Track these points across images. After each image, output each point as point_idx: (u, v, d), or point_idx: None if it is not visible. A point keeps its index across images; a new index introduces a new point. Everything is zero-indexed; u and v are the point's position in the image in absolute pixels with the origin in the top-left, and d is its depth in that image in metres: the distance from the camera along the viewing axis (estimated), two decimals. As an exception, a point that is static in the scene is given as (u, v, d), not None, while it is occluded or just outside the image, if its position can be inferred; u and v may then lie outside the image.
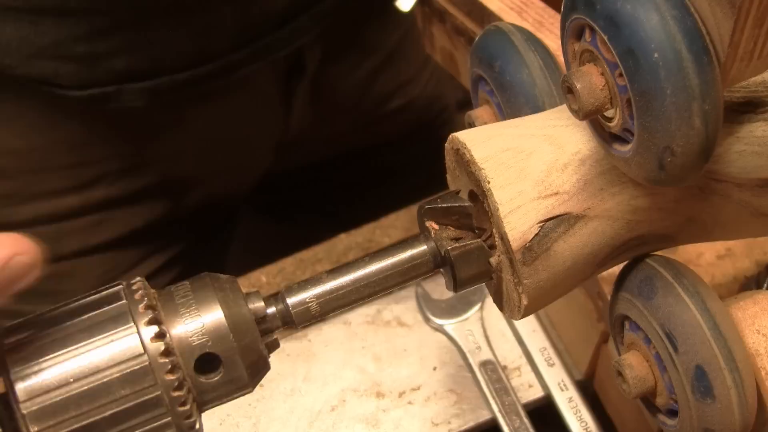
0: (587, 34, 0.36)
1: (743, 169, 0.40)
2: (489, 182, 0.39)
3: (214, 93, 0.84)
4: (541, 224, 0.39)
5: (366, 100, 1.00)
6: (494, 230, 0.40)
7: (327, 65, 0.92)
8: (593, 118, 0.38)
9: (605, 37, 0.34)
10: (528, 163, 0.39)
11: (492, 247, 0.41)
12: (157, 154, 0.87)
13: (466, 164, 0.41)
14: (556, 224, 0.39)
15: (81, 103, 0.79)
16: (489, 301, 0.72)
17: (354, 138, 1.03)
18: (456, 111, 1.15)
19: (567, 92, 0.37)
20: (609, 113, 0.36)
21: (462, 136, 0.41)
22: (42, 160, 0.83)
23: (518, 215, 0.39)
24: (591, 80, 0.36)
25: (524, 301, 0.41)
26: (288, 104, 0.92)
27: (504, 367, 0.68)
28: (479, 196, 0.41)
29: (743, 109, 0.40)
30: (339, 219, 0.89)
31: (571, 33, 0.37)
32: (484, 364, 0.68)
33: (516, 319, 0.42)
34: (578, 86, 0.36)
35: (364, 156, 1.05)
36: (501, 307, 0.44)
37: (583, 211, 0.40)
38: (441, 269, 0.43)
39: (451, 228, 0.42)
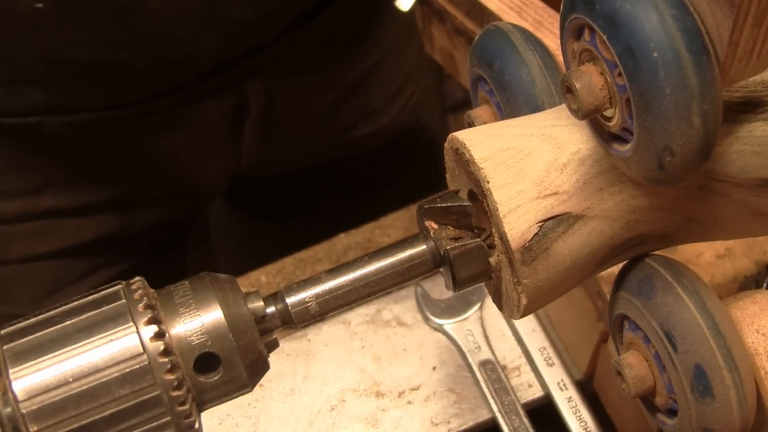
0: (586, 34, 0.36)
1: (742, 169, 0.40)
2: (488, 182, 0.39)
3: (149, 128, 0.84)
4: (541, 224, 0.39)
5: (326, 131, 0.98)
6: (493, 230, 0.40)
7: (276, 103, 0.90)
8: (592, 118, 0.38)
9: (604, 37, 0.34)
10: (527, 163, 0.39)
11: (491, 246, 0.41)
12: (104, 173, 0.87)
13: (466, 164, 0.41)
14: (555, 224, 0.39)
15: (5, 131, 0.78)
16: (488, 300, 0.72)
17: (318, 159, 1.01)
18: (442, 132, 1.14)
19: (566, 92, 0.37)
20: (608, 113, 0.36)
21: (461, 135, 0.41)
22: None
23: (517, 215, 0.39)
24: (590, 80, 0.36)
25: (523, 301, 0.41)
26: (237, 140, 0.91)
27: (503, 367, 0.68)
28: (478, 195, 0.41)
29: (742, 109, 0.40)
30: (334, 219, 0.88)
31: (571, 32, 0.37)
32: (484, 364, 0.68)
33: (515, 319, 0.42)
34: (577, 86, 0.36)
35: (338, 169, 1.04)
36: (500, 307, 0.44)
37: (583, 210, 0.40)
38: (440, 269, 0.43)
39: (451, 227, 0.42)
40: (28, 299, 0.87)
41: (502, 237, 0.39)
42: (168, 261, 0.99)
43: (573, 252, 0.40)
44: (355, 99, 0.97)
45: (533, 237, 0.39)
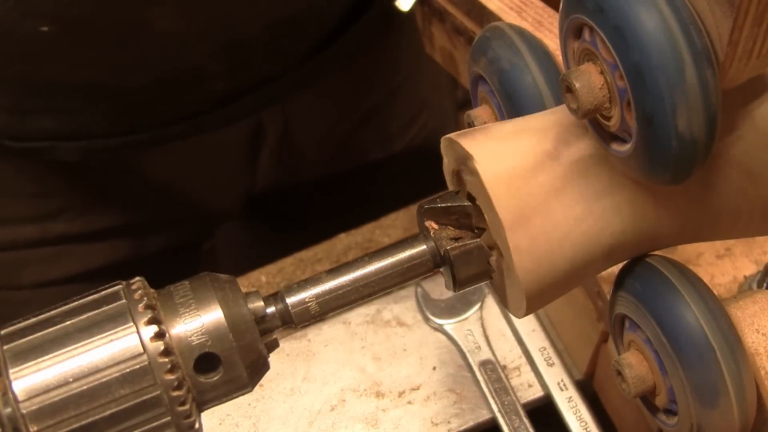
0: (586, 34, 0.36)
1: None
2: (494, 201, 0.39)
3: (163, 154, 0.84)
4: None
5: (340, 155, 0.98)
6: (492, 230, 0.41)
7: (293, 129, 0.90)
8: (592, 118, 0.38)
9: (604, 37, 0.34)
10: (535, 183, 0.39)
11: (491, 247, 0.41)
12: (118, 198, 0.86)
13: (469, 169, 0.41)
14: None
15: (18, 154, 0.78)
16: (489, 301, 0.72)
17: (329, 178, 1.01)
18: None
19: (566, 91, 0.37)
20: (608, 112, 0.36)
21: (481, 168, 0.40)
22: (1, 187, 0.83)
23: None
24: (590, 79, 0.36)
25: (524, 305, 0.41)
26: (252, 166, 0.91)
27: (504, 367, 0.68)
28: (481, 207, 0.41)
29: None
30: (334, 220, 0.88)
31: (570, 32, 0.37)
32: (484, 364, 0.68)
33: (519, 318, 0.42)
34: (577, 85, 0.36)
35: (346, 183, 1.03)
36: (506, 305, 0.44)
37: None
38: (440, 269, 0.43)
39: (451, 228, 0.42)
40: None
41: (506, 255, 0.40)
42: (178, 279, 0.98)
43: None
44: (370, 125, 0.97)
45: None
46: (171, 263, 0.95)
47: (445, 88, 1.08)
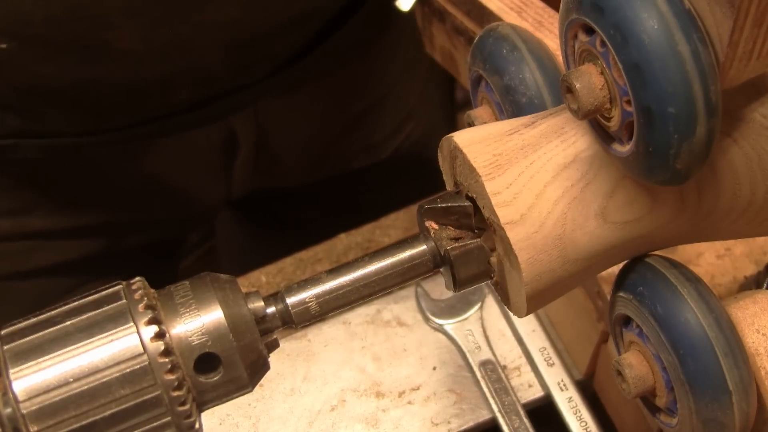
0: (587, 34, 0.36)
1: None
2: (502, 218, 0.39)
3: (131, 153, 0.83)
4: None
5: (323, 163, 0.97)
6: (499, 243, 0.41)
7: (269, 138, 0.89)
8: (592, 118, 0.38)
9: (604, 37, 0.34)
10: (541, 196, 0.39)
11: (492, 248, 0.41)
12: (90, 197, 0.86)
13: (470, 170, 0.41)
14: None
15: None
16: (489, 301, 0.72)
17: (315, 183, 1.00)
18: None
19: (566, 92, 0.37)
20: (608, 113, 0.36)
21: (480, 168, 0.40)
22: None
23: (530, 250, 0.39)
24: (590, 80, 0.36)
25: (522, 313, 0.41)
26: (228, 172, 0.90)
27: (504, 367, 0.68)
28: (482, 209, 0.41)
29: None
30: (334, 220, 0.88)
31: (571, 32, 0.37)
32: (484, 364, 0.68)
33: (521, 317, 0.42)
34: (577, 86, 0.36)
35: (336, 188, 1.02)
36: (507, 304, 0.44)
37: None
38: (441, 269, 0.43)
39: (451, 228, 0.42)
40: (15, 316, 0.86)
41: (513, 264, 0.40)
42: (159, 271, 0.98)
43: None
44: (354, 134, 0.95)
45: None
46: (151, 256, 0.95)
47: (434, 96, 1.07)
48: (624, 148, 0.37)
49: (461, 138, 0.41)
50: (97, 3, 0.65)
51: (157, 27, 0.70)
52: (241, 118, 0.85)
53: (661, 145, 0.34)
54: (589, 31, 0.36)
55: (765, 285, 0.59)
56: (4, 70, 0.70)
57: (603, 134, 0.38)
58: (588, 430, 0.64)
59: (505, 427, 0.65)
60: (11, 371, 0.37)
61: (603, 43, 0.35)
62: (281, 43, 0.81)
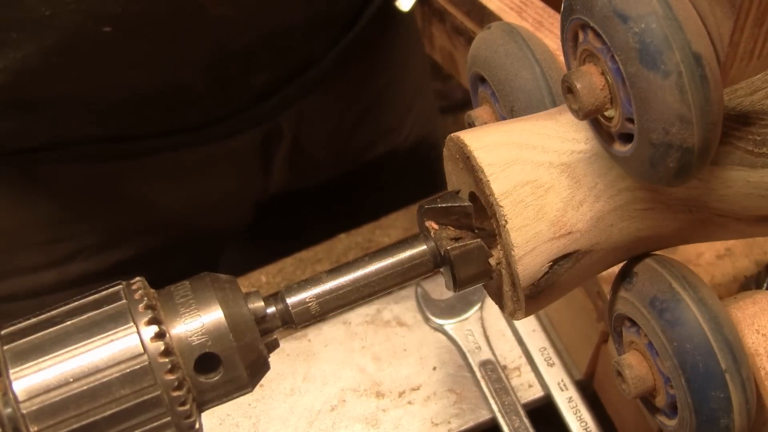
0: (587, 34, 0.36)
1: (746, 208, 0.41)
2: (507, 222, 0.39)
3: (183, 167, 0.83)
4: (551, 263, 0.40)
5: (345, 152, 0.98)
6: (499, 248, 0.41)
7: (304, 127, 0.90)
8: (593, 118, 0.38)
9: (605, 38, 0.34)
10: (546, 201, 0.39)
11: (491, 247, 0.41)
12: (130, 228, 0.86)
13: (472, 169, 0.41)
14: (564, 261, 0.40)
15: (25, 177, 0.77)
16: (489, 301, 0.72)
17: (333, 180, 1.01)
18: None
19: (567, 92, 0.37)
20: (609, 113, 0.36)
21: (480, 158, 0.40)
22: (14, 240, 0.82)
23: (532, 257, 0.39)
24: (591, 80, 0.36)
25: (521, 316, 0.41)
26: (267, 169, 0.91)
27: (504, 367, 0.68)
28: (484, 204, 0.41)
29: (762, 158, 0.40)
30: (334, 220, 0.88)
31: (571, 33, 0.37)
32: (484, 364, 0.68)
33: (516, 320, 0.42)
34: (578, 86, 0.36)
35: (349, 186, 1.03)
36: (501, 307, 0.44)
37: (591, 246, 0.40)
38: (441, 269, 0.43)
39: (451, 228, 0.42)
40: None
41: (513, 275, 0.40)
42: None
43: (575, 280, 0.41)
44: (372, 118, 0.97)
45: (543, 276, 0.40)
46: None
47: (428, 76, 1.10)
48: (625, 149, 0.37)
49: (467, 137, 0.41)
50: None
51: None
52: (287, 114, 0.85)
53: (661, 146, 0.34)
54: (590, 31, 0.36)
55: (765, 285, 0.59)
56: (101, 61, 0.69)
57: (604, 134, 0.38)
58: (588, 430, 0.64)
59: (505, 427, 0.65)
60: (11, 371, 0.37)
61: (604, 44, 0.35)
62: (307, 45, 0.82)
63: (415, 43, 0.97)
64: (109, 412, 0.37)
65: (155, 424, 0.38)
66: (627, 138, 0.37)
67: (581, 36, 0.37)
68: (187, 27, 0.70)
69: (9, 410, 0.37)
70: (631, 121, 0.35)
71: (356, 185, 1.02)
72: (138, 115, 0.77)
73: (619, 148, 0.37)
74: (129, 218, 0.86)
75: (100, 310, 0.38)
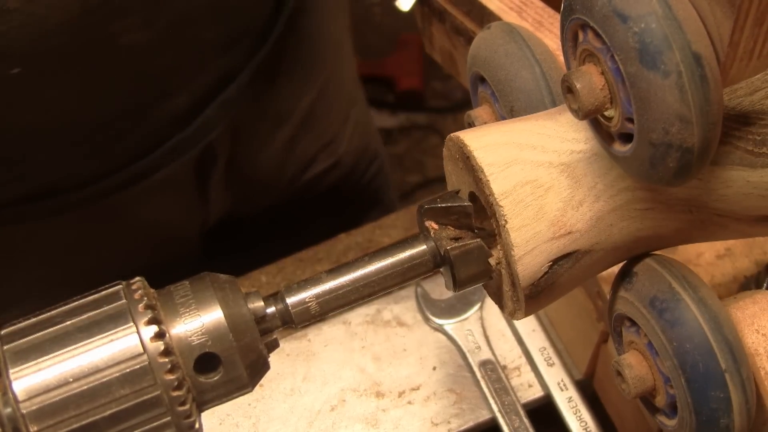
0: (587, 34, 0.36)
1: (746, 208, 0.41)
2: (506, 222, 0.39)
3: (117, 210, 0.80)
4: (551, 263, 0.40)
5: (287, 169, 0.96)
6: (499, 248, 0.41)
7: (238, 147, 0.87)
8: (593, 118, 0.38)
9: (605, 38, 0.34)
10: (545, 201, 0.39)
11: (491, 247, 0.41)
12: (73, 272, 0.83)
13: (472, 169, 0.41)
14: (564, 261, 0.40)
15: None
16: (489, 301, 0.72)
17: (285, 202, 0.99)
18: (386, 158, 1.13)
19: (567, 92, 0.37)
20: (609, 113, 0.36)
21: (480, 158, 0.40)
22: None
23: (531, 256, 0.39)
24: (591, 80, 0.36)
25: (520, 316, 0.41)
26: (205, 195, 0.88)
27: (504, 367, 0.68)
28: (484, 205, 0.41)
29: (761, 158, 0.40)
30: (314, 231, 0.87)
31: (571, 33, 0.37)
32: (484, 364, 0.68)
33: (516, 320, 0.42)
34: (578, 86, 0.36)
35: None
36: (501, 307, 0.44)
37: (591, 246, 0.40)
38: (441, 269, 0.43)
39: (451, 227, 0.42)
40: None
41: (513, 275, 0.40)
42: None
43: (575, 280, 0.41)
44: (308, 131, 0.95)
45: (542, 276, 0.40)
46: None
47: (360, 85, 1.08)
48: (625, 148, 0.37)
49: (467, 137, 0.41)
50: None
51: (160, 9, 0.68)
52: (221, 130, 0.83)
53: (661, 146, 0.34)
54: (590, 31, 0.36)
55: (765, 285, 0.59)
56: (13, 104, 0.67)
57: (603, 134, 0.38)
58: (588, 430, 0.64)
59: (505, 427, 0.65)
60: (11, 371, 0.37)
61: (604, 43, 0.35)
62: (223, 62, 0.80)
63: (344, 53, 0.96)
64: (108, 412, 0.37)
65: (155, 424, 0.38)
66: (627, 138, 0.37)
67: (581, 36, 0.37)
68: (98, 59, 0.68)
69: (9, 410, 0.37)
70: (630, 121, 0.35)
71: (302, 205, 1.00)
72: (58, 165, 0.73)
73: (619, 148, 0.37)
74: (65, 265, 0.83)
75: (99, 310, 0.38)
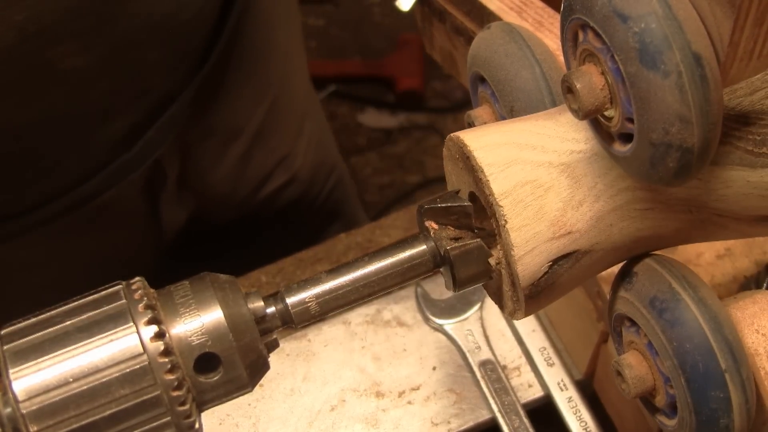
0: (587, 34, 0.36)
1: (745, 208, 0.41)
2: (506, 222, 0.39)
3: (63, 235, 0.79)
4: (551, 263, 0.40)
5: (242, 185, 0.95)
6: (499, 248, 0.41)
7: (188, 164, 0.86)
8: (593, 118, 0.38)
9: (605, 38, 0.34)
10: (545, 201, 0.39)
11: (491, 247, 0.41)
12: (25, 292, 0.82)
13: (472, 169, 0.41)
14: (564, 261, 0.40)
15: None
16: (488, 300, 0.72)
17: (241, 221, 0.98)
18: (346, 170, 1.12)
19: (567, 92, 0.37)
20: (609, 113, 0.36)
21: (480, 158, 0.40)
22: None
23: (531, 256, 0.39)
24: (591, 80, 0.36)
25: (520, 316, 0.41)
26: (156, 214, 0.87)
27: (504, 367, 0.68)
28: (484, 205, 0.41)
29: (761, 158, 0.40)
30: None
31: (571, 33, 0.37)
32: (484, 364, 0.68)
33: (516, 320, 0.42)
34: (578, 86, 0.36)
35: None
36: (501, 307, 0.44)
37: (591, 246, 0.40)
38: (440, 269, 0.43)
39: (451, 228, 0.42)
40: None
41: (513, 275, 0.40)
42: None
43: (575, 280, 0.41)
44: (262, 146, 0.94)
45: (542, 276, 0.40)
46: None
47: (315, 97, 1.07)
48: (625, 148, 0.37)
49: (467, 137, 0.41)
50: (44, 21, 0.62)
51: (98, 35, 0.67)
52: (168, 148, 0.82)
53: (661, 146, 0.34)
54: (590, 31, 0.36)
55: (765, 285, 0.59)
56: None
57: (603, 134, 0.38)
58: (588, 430, 0.64)
59: (505, 427, 0.65)
60: (11, 371, 0.37)
61: (604, 43, 0.35)
62: (164, 84, 0.79)
63: (295, 65, 0.95)
64: (108, 412, 0.37)
65: (155, 424, 0.38)
66: (627, 138, 0.37)
67: (581, 36, 0.37)
68: (37, 86, 0.67)
69: (9, 410, 0.37)
70: (630, 120, 0.35)
71: (261, 220, 0.99)
72: (1, 191, 0.73)
73: (619, 148, 0.37)
74: (15, 288, 0.82)
75: (99, 310, 0.38)
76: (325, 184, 1.05)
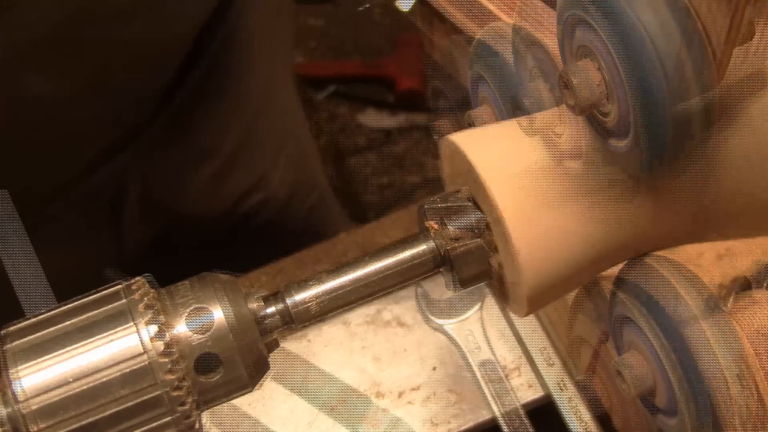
0: (584, 30, 0.36)
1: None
2: (506, 222, 0.39)
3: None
4: (551, 263, 0.40)
5: (216, 204, 0.94)
6: (500, 248, 0.41)
7: (153, 183, 0.84)
8: (590, 114, 0.38)
9: (601, 32, 0.34)
10: (545, 201, 0.39)
11: (491, 246, 0.41)
12: None
13: (469, 170, 0.41)
14: (564, 261, 0.40)
15: None
16: (489, 301, 0.72)
17: (217, 238, 0.96)
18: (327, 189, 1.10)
19: (564, 87, 0.37)
20: (606, 108, 0.36)
21: (476, 160, 0.40)
22: None
23: (531, 256, 0.39)
24: (588, 75, 0.36)
25: (521, 314, 0.41)
26: (118, 229, 0.86)
27: (504, 367, 0.68)
28: (485, 210, 0.41)
29: None
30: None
31: (568, 29, 0.37)
32: (484, 364, 0.68)
33: (521, 316, 0.42)
34: (575, 81, 0.36)
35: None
36: (502, 306, 0.44)
37: (591, 246, 0.40)
38: (441, 269, 0.43)
39: (451, 228, 0.42)
40: None
41: (514, 274, 0.40)
42: None
43: (575, 280, 0.41)
44: (238, 167, 0.93)
45: (542, 275, 0.40)
46: None
47: (302, 115, 1.05)
48: (622, 143, 0.37)
49: (462, 139, 0.41)
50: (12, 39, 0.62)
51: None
52: (132, 168, 0.81)
53: (657, 137, 0.34)
54: (586, 26, 0.36)
55: (765, 285, 0.58)
56: None
57: (601, 130, 0.38)
58: (588, 430, 0.64)
59: (505, 428, 0.65)
60: (11, 371, 0.37)
61: (600, 38, 0.35)
62: (138, 111, 0.78)
63: (278, 86, 0.93)
64: (109, 412, 0.37)
65: (155, 424, 0.38)
66: (623, 133, 0.37)
67: (578, 31, 0.37)
68: (4, 111, 0.67)
69: (9, 410, 0.37)
70: (627, 116, 0.35)
71: (237, 239, 0.98)
72: None
73: (616, 143, 0.37)
74: None
75: (100, 310, 0.38)
76: (304, 203, 1.03)
